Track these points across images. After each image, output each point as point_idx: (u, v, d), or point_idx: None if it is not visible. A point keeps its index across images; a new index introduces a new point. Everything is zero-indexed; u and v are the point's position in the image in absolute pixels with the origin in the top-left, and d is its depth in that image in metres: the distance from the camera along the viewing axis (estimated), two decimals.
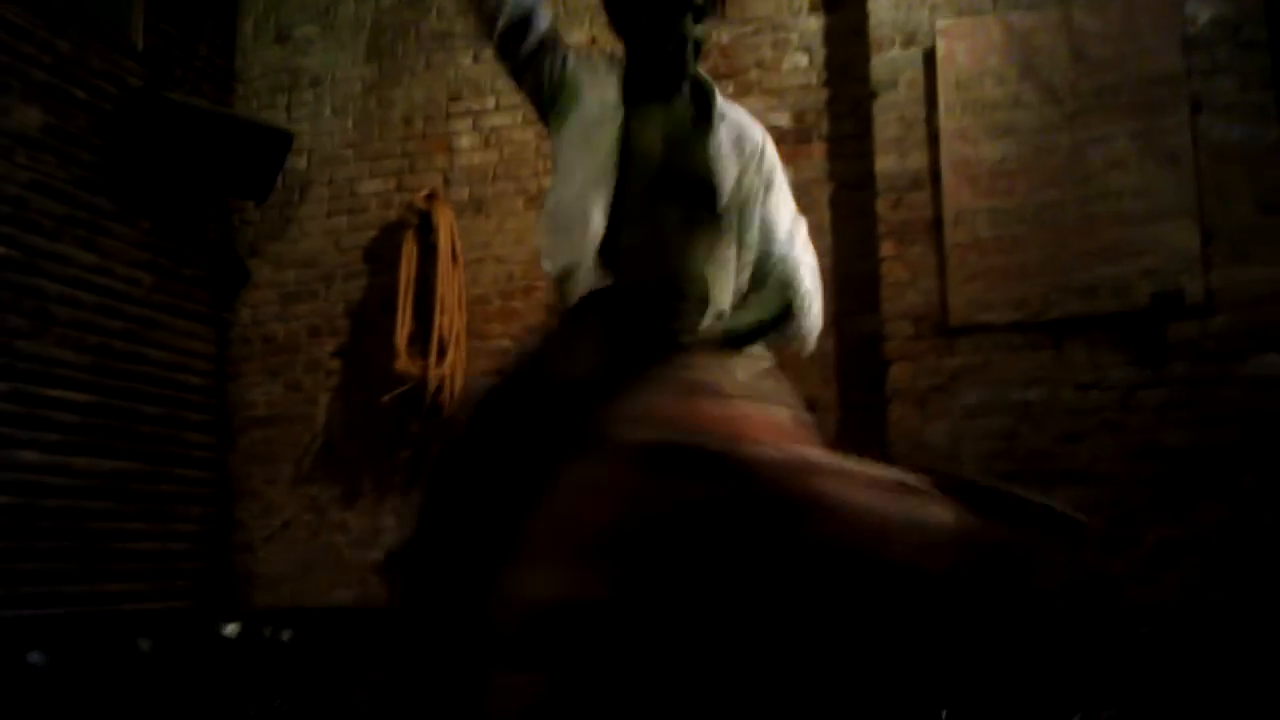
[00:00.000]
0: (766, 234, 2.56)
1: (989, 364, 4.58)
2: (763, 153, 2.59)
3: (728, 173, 2.51)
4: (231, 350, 5.89)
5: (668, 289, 2.42)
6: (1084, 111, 4.63)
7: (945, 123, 4.79)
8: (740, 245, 2.51)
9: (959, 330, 4.64)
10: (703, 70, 2.64)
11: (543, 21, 2.56)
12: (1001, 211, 4.65)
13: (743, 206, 2.52)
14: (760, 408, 2.08)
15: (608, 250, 2.40)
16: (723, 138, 2.54)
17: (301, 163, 5.91)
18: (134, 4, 5.56)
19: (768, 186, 2.58)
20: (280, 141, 5.65)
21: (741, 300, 2.52)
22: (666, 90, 2.55)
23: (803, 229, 2.64)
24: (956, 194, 4.72)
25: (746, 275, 2.53)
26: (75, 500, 4.91)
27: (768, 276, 2.55)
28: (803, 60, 5.33)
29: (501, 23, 2.52)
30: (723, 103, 2.61)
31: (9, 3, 4.78)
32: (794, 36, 5.35)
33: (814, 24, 5.34)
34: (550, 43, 2.56)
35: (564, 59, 2.57)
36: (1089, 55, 4.65)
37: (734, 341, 2.45)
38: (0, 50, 4.74)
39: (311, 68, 6.02)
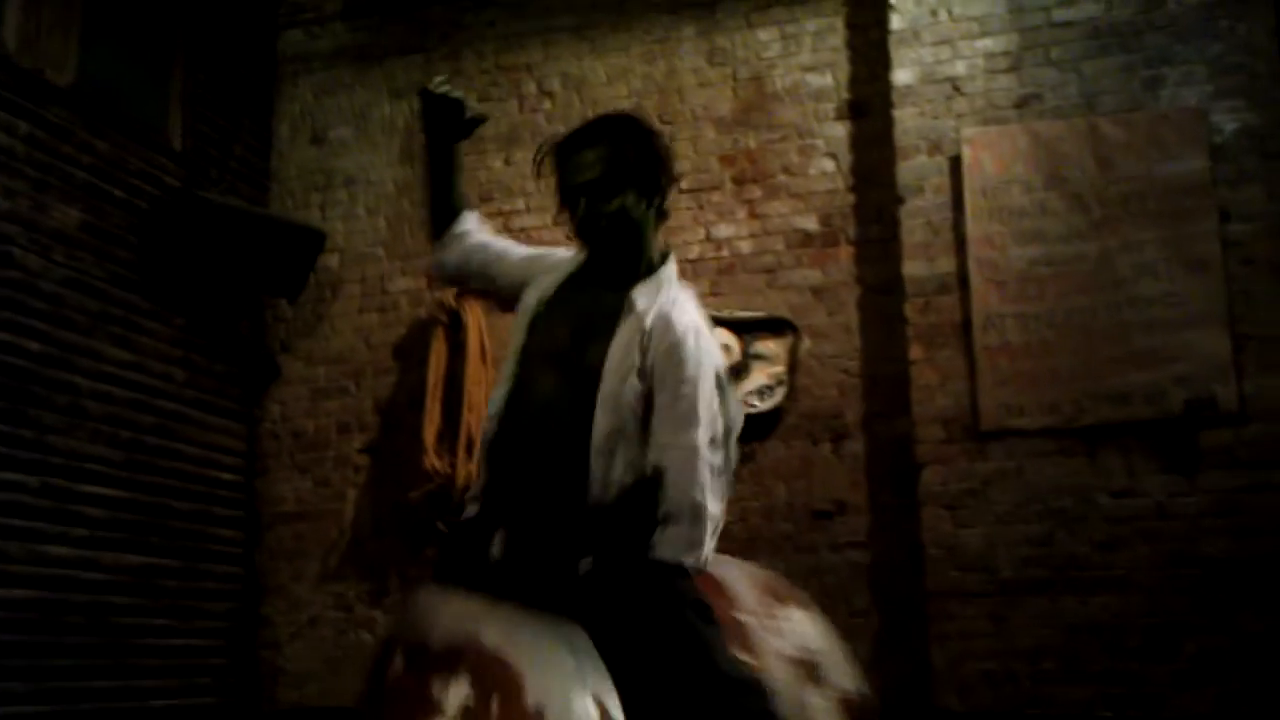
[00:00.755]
0: (650, 435, 2.31)
1: (1022, 469, 4.59)
2: (672, 348, 2.35)
3: (616, 363, 2.36)
4: (260, 446, 5.92)
5: (533, 492, 2.37)
6: (1112, 219, 4.69)
7: (972, 228, 4.85)
8: (620, 441, 2.32)
9: (990, 434, 4.65)
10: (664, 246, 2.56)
11: (479, 253, 2.74)
12: (1031, 316, 4.70)
13: (620, 400, 2.33)
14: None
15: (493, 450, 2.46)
16: (634, 326, 2.39)
17: (334, 261, 5.99)
18: (172, 105, 5.69)
19: (663, 386, 2.33)
20: (313, 240, 5.74)
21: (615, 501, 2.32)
22: (612, 270, 2.49)
23: (696, 443, 2.29)
24: (985, 298, 4.77)
25: (625, 476, 2.31)
26: (103, 595, 4.90)
27: (641, 483, 2.27)
28: (829, 165, 5.42)
29: (450, 270, 2.80)
30: (665, 293, 2.45)
31: (50, 104, 4.88)
32: (820, 143, 5.44)
33: (840, 131, 5.43)
34: (491, 261, 2.73)
35: (514, 266, 2.69)
36: (1115, 164, 4.72)
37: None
38: (41, 150, 4.83)
39: (345, 169, 6.13)
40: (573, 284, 2.54)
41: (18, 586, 4.52)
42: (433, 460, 5.42)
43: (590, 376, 2.36)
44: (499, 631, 2.10)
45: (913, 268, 4.96)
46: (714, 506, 2.27)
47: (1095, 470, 4.52)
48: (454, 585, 2.28)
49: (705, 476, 2.27)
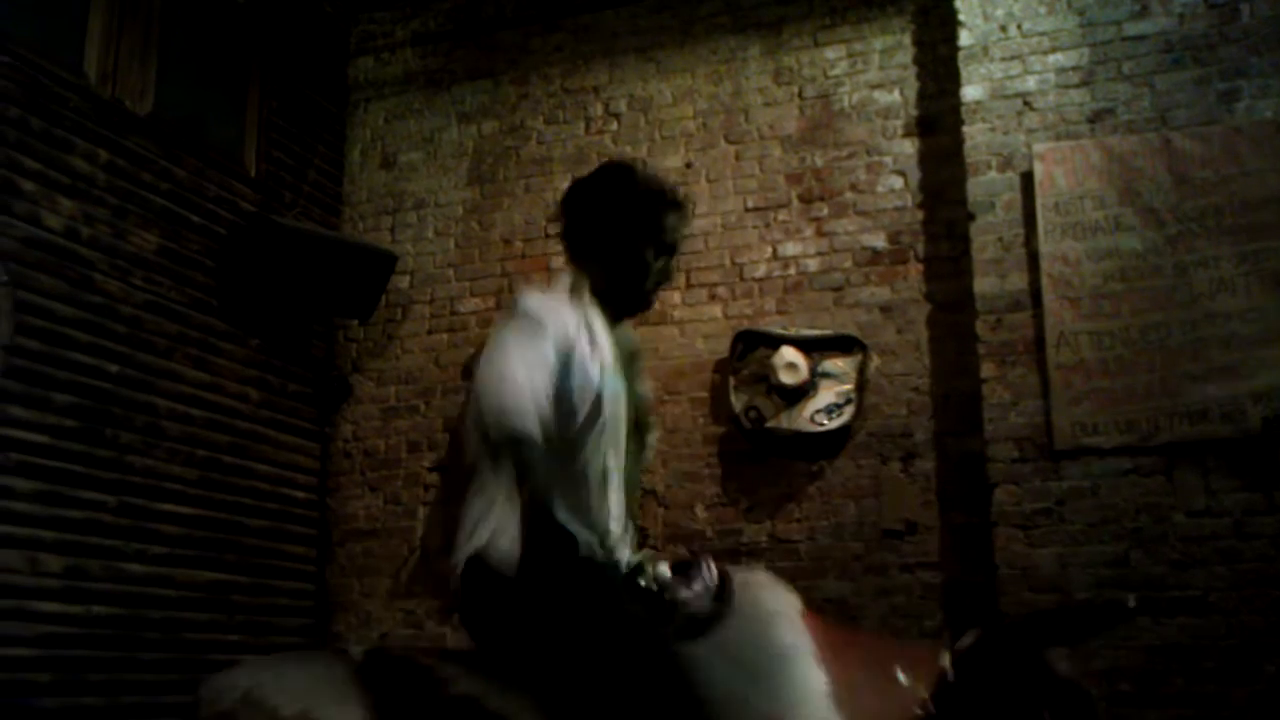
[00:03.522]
0: None
1: (1097, 488, 4.51)
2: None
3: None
4: (333, 464, 6.00)
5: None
6: (1187, 234, 4.61)
7: (1044, 245, 4.79)
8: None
9: (1065, 453, 4.58)
10: None
11: None
12: (1105, 333, 4.63)
13: None
14: None
15: None
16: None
17: (404, 282, 6.07)
18: (248, 132, 5.82)
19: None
20: (385, 262, 5.81)
21: None
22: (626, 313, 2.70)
23: None
24: (1058, 315, 4.71)
25: None
26: (179, 612, 4.99)
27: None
28: (897, 183, 5.39)
29: None
30: None
31: (129, 132, 5.00)
32: (888, 160, 5.41)
33: (909, 148, 5.40)
34: None
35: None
36: (1191, 178, 4.64)
37: None
38: (120, 177, 4.95)
39: (416, 192, 6.21)
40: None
41: (97, 603, 4.61)
42: None
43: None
44: None
45: (984, 285, 4.90)
46: None
47: (1172, 489, 4.44)
48: None
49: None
